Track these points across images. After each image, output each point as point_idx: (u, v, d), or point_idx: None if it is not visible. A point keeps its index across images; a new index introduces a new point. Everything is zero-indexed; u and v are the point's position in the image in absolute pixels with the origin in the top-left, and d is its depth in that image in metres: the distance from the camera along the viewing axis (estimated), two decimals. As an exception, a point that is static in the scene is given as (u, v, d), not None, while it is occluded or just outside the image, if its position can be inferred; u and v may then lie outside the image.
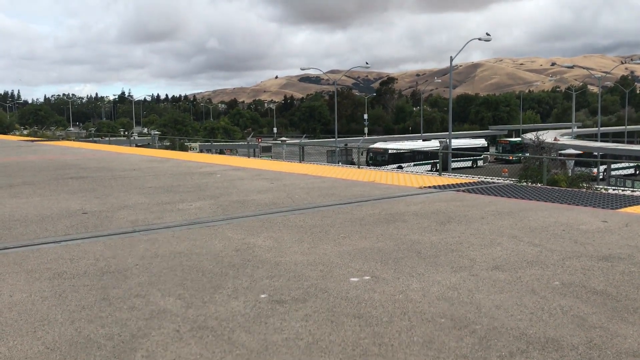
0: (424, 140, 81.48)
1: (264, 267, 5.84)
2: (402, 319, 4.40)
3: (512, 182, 15.55)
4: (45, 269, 5.85)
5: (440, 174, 17.21)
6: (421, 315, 4.48)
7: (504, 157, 71.49)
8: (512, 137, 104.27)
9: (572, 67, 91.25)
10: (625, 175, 51.40)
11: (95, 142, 47.86)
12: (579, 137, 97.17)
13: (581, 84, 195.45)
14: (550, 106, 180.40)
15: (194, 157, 21.56)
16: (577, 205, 9.77)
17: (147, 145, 52.50)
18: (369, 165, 49.38)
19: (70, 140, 46.97)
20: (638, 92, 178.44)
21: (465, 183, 12.80)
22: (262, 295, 4.96)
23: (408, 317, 4.45)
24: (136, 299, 4.90)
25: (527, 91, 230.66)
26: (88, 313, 4.59)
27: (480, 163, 67.82)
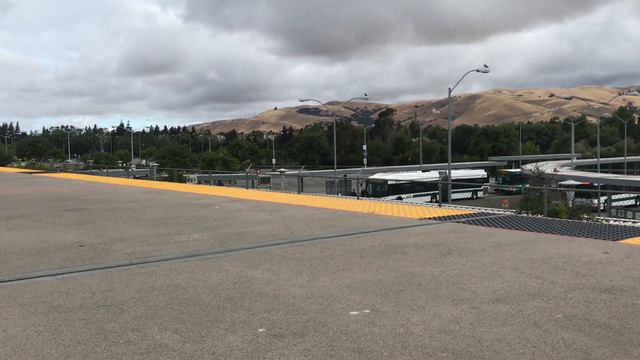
0: (423, 171, 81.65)
1: (262, 301, 5.77)
2: (403, 353, 4.33)
3: (512, 213, 15.52)
4: (41, 303, 5.78)
5: (440, 205, 17.18)
6: (422, 350, 4.40)
7: (504, 188, 71.53)
8: (511, 167, 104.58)
9: (570, 99, 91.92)
10: (626, 206, 51.37)
11: (93, 173, 47.94)
12: (578, 167, 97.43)
13: (580, 115, 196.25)
14: (549, 137, 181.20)
15: (192, 189, 21.52)
16: (578, 236, 9.71)
17: (146, 177, 52.57)
18: (368, 196, 49.37)
19: (69, 172, 47.04)
20: (636, 122, 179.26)
21: (465, 214, 12.76)
22: (260, 330, 4.89)
23: (409, 351, 4.38)
24: (132, 333, 4.83)
25: (525, 122, 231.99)
26: (83, 348, 4.51)
27: (480, 194, 67.86)
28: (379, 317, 5.19)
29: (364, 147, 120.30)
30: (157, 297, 5.97)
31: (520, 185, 59.64)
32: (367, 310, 5.40)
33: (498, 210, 15.53)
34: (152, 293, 6.12)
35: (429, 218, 11.97)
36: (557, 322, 5.03)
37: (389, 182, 60.41)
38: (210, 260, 7.81)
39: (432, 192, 57.88)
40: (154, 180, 39.63)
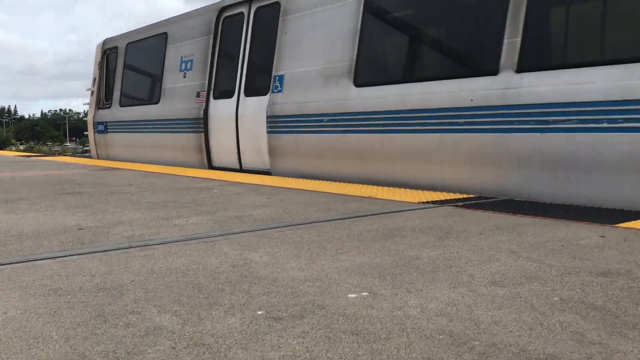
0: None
1: (260, 284, 5.80)
2: (401, 336, 4.36)
3: (510, 197, 15.48)
4: (40, 286, 5.81)
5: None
6: (420, 332, 4.44)
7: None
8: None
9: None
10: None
11: (91, 157, 47.79)
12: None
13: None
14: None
15: (190, 172, 21.51)
16: (575, 220, 9.74)
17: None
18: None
19: (67, 155, 46.94)
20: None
21: (463, 198, 12.77)
22: (259, 312, 4.92)
23: (406, 333, 4.41)
24: (132, 316, 4.86)
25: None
26: (83, 330, 4.54)
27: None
28: (376, 300, 5.23)
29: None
30: (157, 280, 6.00)
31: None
32: (365, 293, 5.43)
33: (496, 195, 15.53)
34: (151, 276, 6.15)
35: (428, 202, 11.99)
36: (554, 305, 5.07)
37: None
38: (209, 244, 7.83)
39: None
40: (152, 164, 39.50)
